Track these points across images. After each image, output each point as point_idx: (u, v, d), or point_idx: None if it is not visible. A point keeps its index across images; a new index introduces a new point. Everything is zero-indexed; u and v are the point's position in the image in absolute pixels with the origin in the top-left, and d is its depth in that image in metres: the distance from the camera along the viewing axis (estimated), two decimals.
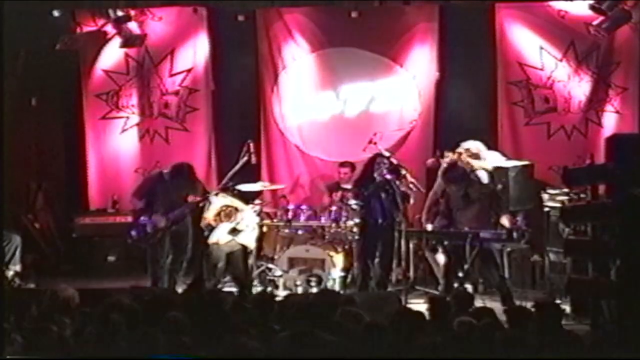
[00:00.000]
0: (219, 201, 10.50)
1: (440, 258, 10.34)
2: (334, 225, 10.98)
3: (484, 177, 10.19)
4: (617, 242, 6.97)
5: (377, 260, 10.36)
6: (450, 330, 6.12)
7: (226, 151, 12.15)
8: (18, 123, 12.04)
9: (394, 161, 10.73)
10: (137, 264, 11.47)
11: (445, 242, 10.10)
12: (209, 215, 10.44)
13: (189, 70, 12.54)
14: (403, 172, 10.48)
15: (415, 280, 10.65)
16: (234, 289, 10.16)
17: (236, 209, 10.54)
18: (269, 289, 10.41)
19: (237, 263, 10.69)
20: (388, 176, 10.24)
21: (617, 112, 11.92)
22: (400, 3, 12.32)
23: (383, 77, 12.31)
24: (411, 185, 10.93)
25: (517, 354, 5.66)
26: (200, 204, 10.53)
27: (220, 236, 10.51)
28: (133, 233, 10.48)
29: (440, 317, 6.54)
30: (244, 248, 10.55)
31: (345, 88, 12.40)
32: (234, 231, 10.55)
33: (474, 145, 10.50)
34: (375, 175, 10.29)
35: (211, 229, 10.44)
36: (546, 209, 10.36)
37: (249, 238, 10.57)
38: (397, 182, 10.24)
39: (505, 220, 9.87)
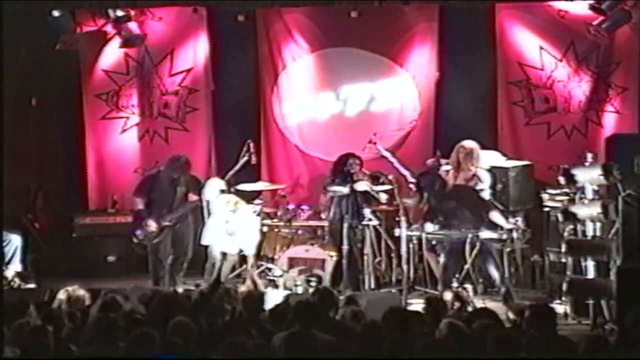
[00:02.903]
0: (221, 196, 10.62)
1: (441, 258, 10.34)
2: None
3: (485, 177, 10.20)
4: (617, 242, 6.99)
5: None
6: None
7: (226, 151, 12.15)
8: (18, 123, 12.03)
9: (394, 161, 10.81)
10: (137, 264, 11.49)
11: (445, 242, 10.12)
12: (219, 202, 10.54)
13: (188, 70, 12.54)
14: (382, 179, 10.59)
15: (415, 280, 10.65)
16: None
17: (244, 204, 10.65)
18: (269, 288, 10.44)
19: (230, 266, 10.79)
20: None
21: (617, 112, 11.91)
22: (400, 3, 12.30)
23: (383, 77, 12.31)
24: (411, 186, 10.97)
25: (513, 354, 5.66)
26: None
27: (215, 237, 10.59)
28: (138, 233, 10.50)
29: (436, 317, 6.54)
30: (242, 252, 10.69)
31: (345, 88, 12.40)
32: (233, 233, 10.61)
33: (469, 144, 10.53)
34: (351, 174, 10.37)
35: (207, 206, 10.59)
36: (546, 209, 10.37)
37: (248, 243, 10.63)
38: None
39: (496, 218, 9.82)
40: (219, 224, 10.62)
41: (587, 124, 11.97)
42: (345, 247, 10.33)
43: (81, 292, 7.46)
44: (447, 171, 10.71)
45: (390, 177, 11.02)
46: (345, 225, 10.31)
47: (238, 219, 10.66)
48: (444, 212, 9.87)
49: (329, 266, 10.57)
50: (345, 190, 10.28)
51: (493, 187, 10.10)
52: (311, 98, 12.44)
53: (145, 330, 5.88)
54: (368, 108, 12.37)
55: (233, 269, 11.03)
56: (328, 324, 6.22)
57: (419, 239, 10.52)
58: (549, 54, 11.96)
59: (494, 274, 9.74)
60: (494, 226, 9.80)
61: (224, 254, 10.67)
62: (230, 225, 10.65)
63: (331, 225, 10.49)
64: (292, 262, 10.72)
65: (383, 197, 10.51)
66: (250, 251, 10.71)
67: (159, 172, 10.86)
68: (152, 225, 10.41)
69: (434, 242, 10.37)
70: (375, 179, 10.64)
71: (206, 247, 10.71)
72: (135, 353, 5.66)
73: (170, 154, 11.48)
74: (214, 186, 10.64)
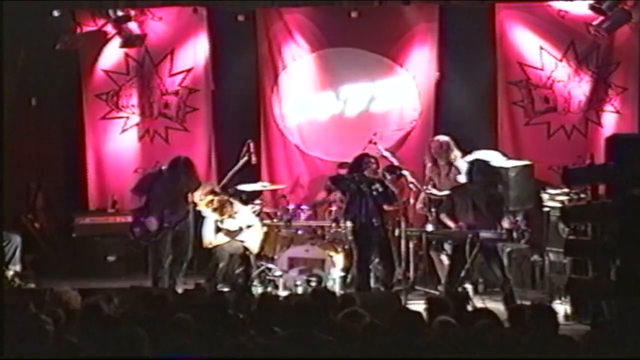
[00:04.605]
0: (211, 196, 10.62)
1: (445, 258, 10.35)
2: (334, 225, 10.98)
3: (463, 168, 10.30)
4: (617, 242, 6.97)
5: (377, 260, 10.37)
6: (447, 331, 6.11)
7: (226, 151, 12.16)
8: (18, 123, 12.03)
9: (394, 160, 10.83)
10: (137, 264, 11.49)
11: (446, 242, 10.12)
12: (202, 204, 10.52)
13: (189, 70, 12.54)
14: (399, 172, 10.56)
15: (415, 280, 10.66)
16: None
17: (231, 204, 10.62)
18: (269, 289, 10.43)
19: (234, 265, 10.78)
20: (388, 176, 10.26)
21: (617, 112, 11.94)
22: (400, 3, 12.31)
23: (383, 77, 12.32)
24: (411, 185, 10.99)
25: (513, 354, 5.66)
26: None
27: (212, 237, 10.60)
28: (136, 230, 10.49)
29: (437, 317, 6.53)
30: (246, 251, 10.68)
31: (345, 88, 12.41)
32: (230, 233, 10.62)
33: (441, 138, 10.67)
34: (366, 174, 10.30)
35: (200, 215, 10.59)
36: (546, 209, 10.37)
37: (253, 241, 10.65)
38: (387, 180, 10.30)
39: (505, 222, 9.87)
40: (213, 225, 10.64)
41: (587, 124, 11.99)
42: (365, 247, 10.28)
43: (73, 293, 7.41)
44: (429, 167, 10.82)
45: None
46: (366, 225, 10.23)
47: (234, 218, 10.67)
48: (460, 208, 9.87)
49: (337, 266, 10.54)
50: (355, 178, 10.23)
51: (469, 174, 10.12)
52: (311, 98, 12.45)
53: (133, 329, 5.87)
54: (368, 108, 12.38)
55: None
56: (328, 325, 6.22)
57: (419, 239, 10.53)
58: (549, 54, 11.98)
59: (498, 273, 9.74)
60: (494, 226, 9.80)
61: (231, 255, 10.67)
62: (227, 225, 10.66)
63: (355, 227, 10.37)
64: (292, 262, 10.71)
65: (406, 173, 10.51)
66: (254, 249, 10.72)
67: (161, 171, 10.82)
68: (154, 224, 10.39)
69: (434, 242, 10.40)
70: (391, 172, 10.62)
71: (209, 248, 10.72)
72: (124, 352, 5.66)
73: (170, 154, 11.48)
74: (202, 188, 10.66)
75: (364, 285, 10.17)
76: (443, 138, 10.81)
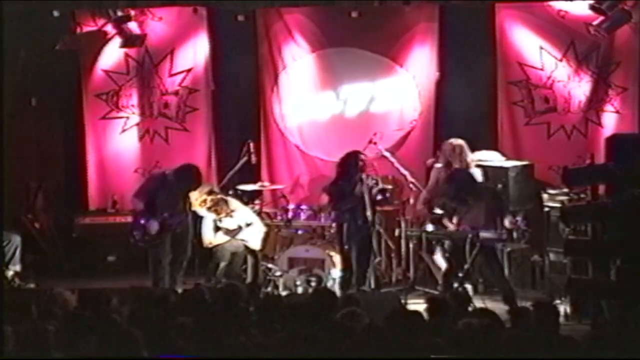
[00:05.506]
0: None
1: (438, 259, 10.34)
2: (334, 225, 10.97)
3: (478, 175, 10.25)
4: (617, 242, 6.98)
5: (376, 260, 10.35)
6: (447, 331, 6.12)
7: (226, 151, 12.17)
8: (18, 123, 12.03)
9: (394, 160, 10.81)
10: (137, 264, 11.46)
11: (445, 242, 10.12)
12: (196, 204, 10.51)
13: (189, 70, 12.53)
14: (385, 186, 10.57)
15: (415, 280, 10.66)
16: None
17: (225, 203, 10.62)
18: (269, 289, 10.44)
19: (238, 264, 10.77)
20: (370, 182, 10.22)
21: (617, 112, 11.92)
22: (400, 3, 12.31)
23: (383, 77, 12.31)
24: (411, 186, 10.99)
25: (516, 354, 5.66)
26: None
27: (211, 237, 10.60)
28: (136, 233, 10.46)
29: (438, 317, 6.53)
30: (248, 249, 10.66)
31: (345, 88, 12.40)
32: (229, 232, 10.62)
33: (456, 141, 10.60)
34: (354, 178, 10.22)
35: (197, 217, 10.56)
36: (546, 209, 10.37)
37: (254, 238, 10.64)
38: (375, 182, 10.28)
39: (506, 222, 9.88)
40: (212, 224, 10.64)
41: (587, 124, 11.98)
42: (353, 247, 10.25)
43: (67, 294, 7.42)
44: (439, 169, 10.78)
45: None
46: (354, 225, 10.21)
47: (232, 217, 10.66)
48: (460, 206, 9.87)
49: (337, 266, 10.53)
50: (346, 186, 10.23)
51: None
52: (311, 98, 12.44)
53: (127, 329, 5.87)
54: (368, 108, 12.37)
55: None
56: (327, 324, 6.22)
57: (419, 239, 10.53)
58: (549, 54, 11.97)
59: (497, 272, 9.74)
60: (494, 226, 9.81)
61: (233, 254, 10.67)
62: (225, 224, 10.65)
63: (341, 227, 10.35)
64: (292, 262, 10.73)
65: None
66: (256, 247, 10.71)
67: (165, 176, 10.70)
68: (154, 226, 10.35)
69: (433, 242, 10.40)
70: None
71: (210, 247, 10.71)
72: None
73: (170, 154, 11.47)
74: (200, 189, 10.63)
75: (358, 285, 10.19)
76: (457, 141, 10.64)
